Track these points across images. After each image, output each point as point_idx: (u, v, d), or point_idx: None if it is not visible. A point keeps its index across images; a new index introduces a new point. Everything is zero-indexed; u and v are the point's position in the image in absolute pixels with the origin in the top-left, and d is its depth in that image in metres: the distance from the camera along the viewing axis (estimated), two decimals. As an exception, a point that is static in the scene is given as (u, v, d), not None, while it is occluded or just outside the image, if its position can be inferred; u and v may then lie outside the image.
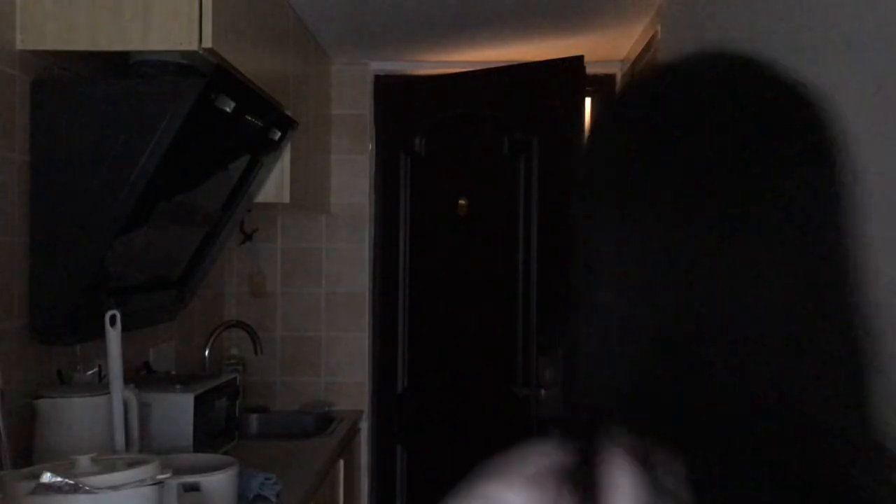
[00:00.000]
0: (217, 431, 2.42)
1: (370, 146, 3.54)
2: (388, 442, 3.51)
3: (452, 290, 3.37)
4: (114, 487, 1.37)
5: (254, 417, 3.32)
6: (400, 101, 3.52)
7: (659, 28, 2.65)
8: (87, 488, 1.34)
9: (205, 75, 1.92)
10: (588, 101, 3.64)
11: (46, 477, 1.34)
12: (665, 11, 2.57)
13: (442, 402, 3.37)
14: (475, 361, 3.28)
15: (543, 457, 0.62)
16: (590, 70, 3.49)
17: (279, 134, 2.44)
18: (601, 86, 3.57)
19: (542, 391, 2.98)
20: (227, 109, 1.96)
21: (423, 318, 3.45)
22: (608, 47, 3.28)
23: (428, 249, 3.46)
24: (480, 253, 3.31)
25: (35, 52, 1.88)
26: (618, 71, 3.50)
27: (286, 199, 2.78)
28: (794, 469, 0.59)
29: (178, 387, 2.26)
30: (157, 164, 1.83)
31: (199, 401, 2.25)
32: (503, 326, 3.20)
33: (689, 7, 2.22)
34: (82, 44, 1.86)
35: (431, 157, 3.48)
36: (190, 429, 2.20)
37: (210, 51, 1.88)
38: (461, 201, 3.32)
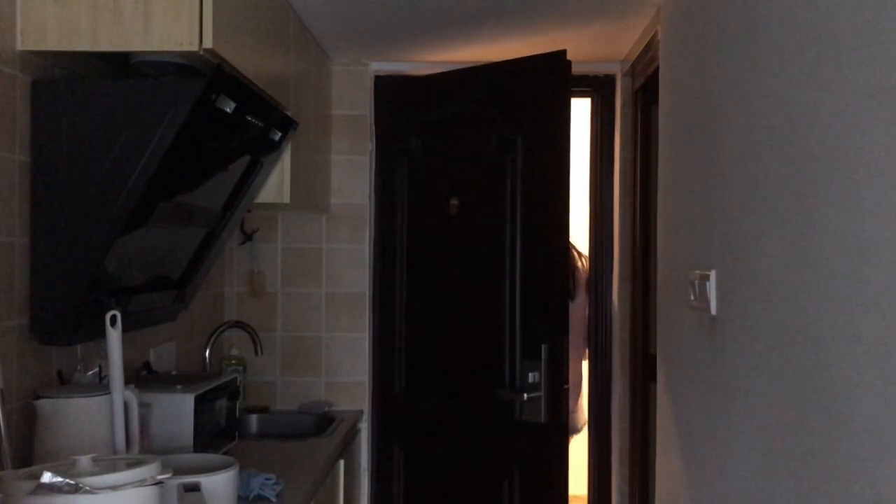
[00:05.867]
0: (217, 431, 2.43)
1: (370, 146, 3.54)
2: (387, 442, 3.51)
3: (445, 292, 3.33)
4: (114, 487, 1.37)
5: (254, 417, 3.32)
6: (398, 100, 3.52)
7: (659, 28, 2.65)
8: (87, 488, 1.34)
9: (205, 76, 1.92)
10: (588, 101, 3.65)
11: (46, 477, 1.34)
12: (665, 11, 2.57)
13: (436, 403, 3.35)
14: (466, 363, 3.23)
15: None
16: (590, 70, 3.51)
17: (279, 134, 2.45)
18: (601, 86, 3.57)
19: (525, 395, 2.90)
20: (228, 110, 1.96)
21: (419, 318, 3.44)
22: (608, 47, 3.28)
23: (423, 250, 3.44)
24: (470, 254, 3.25)
25: (35, 53, 1.88)
26: (618, 71, 3.49)
27: (286, 199, 2.79)
28: None
29: (178, 387, 2.27)
30: (158, 164, 1.83)
31: (199, 401, 2.25)
32: (492, 328, 3.11)
33: (689, 7, 2.22)
34: (82, 44, 1.86)
35: (426, 157, 3.44)
36: (190, 429, 2.21)
37: (210, 51, 1.88)
38: (452, 201, 3.29)
